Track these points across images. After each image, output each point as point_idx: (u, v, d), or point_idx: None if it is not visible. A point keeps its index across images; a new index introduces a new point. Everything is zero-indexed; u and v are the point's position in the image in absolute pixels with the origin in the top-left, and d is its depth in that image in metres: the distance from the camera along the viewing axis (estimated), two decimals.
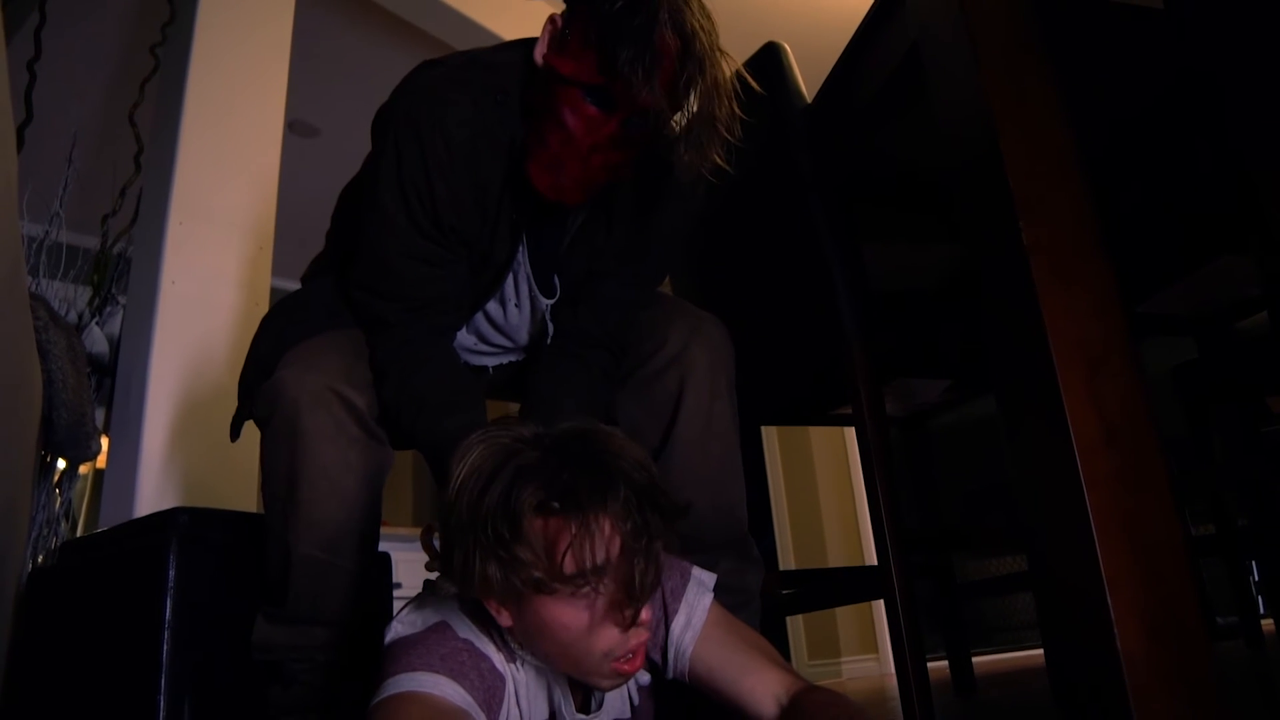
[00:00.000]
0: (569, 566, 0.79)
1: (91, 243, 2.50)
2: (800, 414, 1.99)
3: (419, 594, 0.96)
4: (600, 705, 0.95)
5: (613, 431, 0.86)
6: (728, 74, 1.05)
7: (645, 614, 0.83)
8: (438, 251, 1.14)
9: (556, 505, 0.79)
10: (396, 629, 0.90)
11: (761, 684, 0.94)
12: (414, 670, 0.84)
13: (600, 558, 0.79)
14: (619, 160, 1.08)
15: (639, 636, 0.85)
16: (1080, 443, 0.83)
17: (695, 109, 1.04)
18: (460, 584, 0.84)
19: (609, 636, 0.82)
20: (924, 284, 1.63)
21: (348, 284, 1.21)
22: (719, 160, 1.06)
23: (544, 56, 1.08)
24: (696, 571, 1.01)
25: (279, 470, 1.12)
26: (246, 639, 1.20)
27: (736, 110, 1.06)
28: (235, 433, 1.30)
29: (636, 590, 0.80)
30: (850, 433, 4.11)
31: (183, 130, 2.36)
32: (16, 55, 2.42)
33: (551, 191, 1.08)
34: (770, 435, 4.63)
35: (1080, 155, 0.94)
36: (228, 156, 2.43)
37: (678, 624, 0.97)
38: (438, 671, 0.83)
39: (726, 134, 1.05)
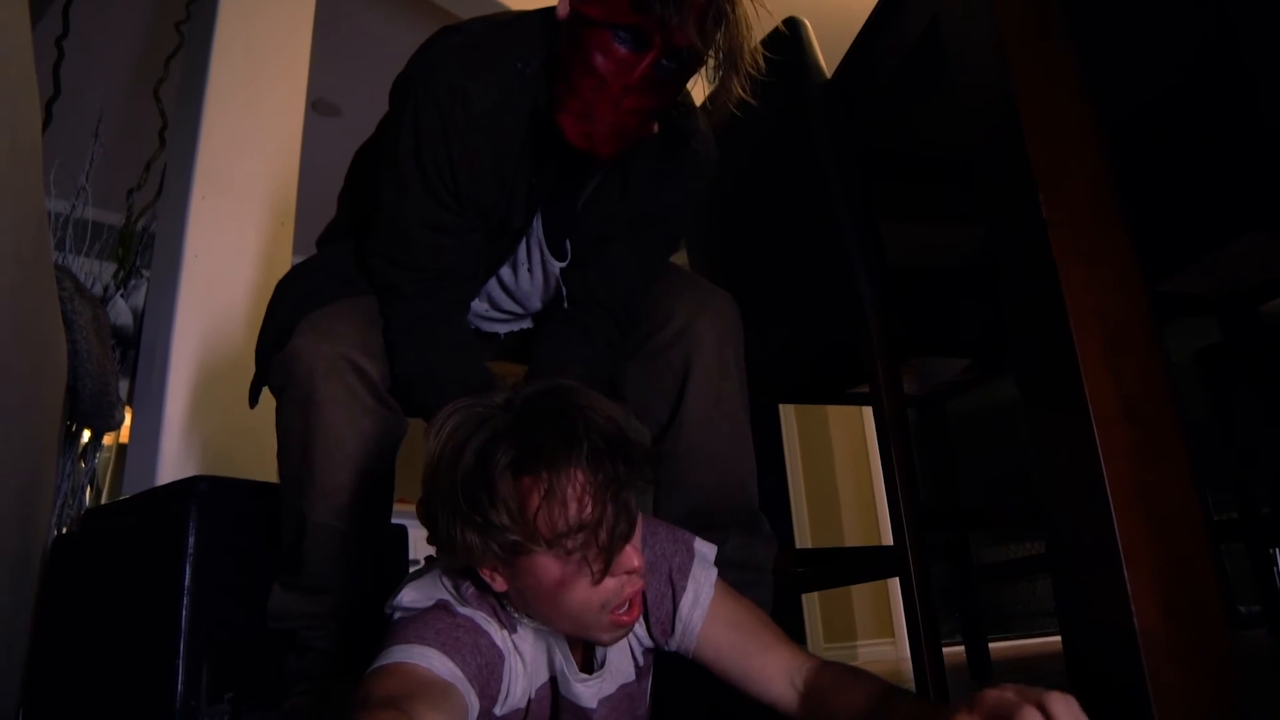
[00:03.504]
0: (543, 525, 0.79)
1: (116, 218, 2.53)
2: (818, 393, 1.98)
3: (419, 569, 0.96)
4: (603, 664, 0.95)
5: (580, 386, 0.86)
6: (751, 9, 1.05)
7: (636, 560, 0.83)
8: (454, 220, 1.14)
9: (526, 464, 0.79)
10: (398, 606, 0.90)
11: (772, 661, 0.94)
12: (408, 643, 0.84)
13: (574, 513, 0.78)
14: (650, 105, 1.06)
15: (634, 584, 0.85)
16: (1098, 417, 0.82)
17: (723, 44, 1.03)
18: (447, 553, 0.85)
19: (602, 588, 0.82)
20: (943, 261, 1.62)
21: (363, 251, 1.21)
22: (743, 93, 1.06)
23: (570, 5, 1.06)
24: (698, 544, 1.00)
25: (293, 438, 1.13)
26: (265, 606, 1.22)
27: (759, 46, 1.07)
28: (254, 399, 1.31)
29: (612, 539, 0.80)
30: (868, 412, 4.09)
31: (206, 106, 2.38)
32: (45, 31, 2.45)
33: (583, 140, 1.06)
34: (788, 414, 4.62)
35: (1101, 130, 0.93)
36: (250, 132, 2.45)
37: (686, 601, 0.96)
38: (430, 644, 0.83)
39: (751, 68, 1.05)
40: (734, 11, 1.02)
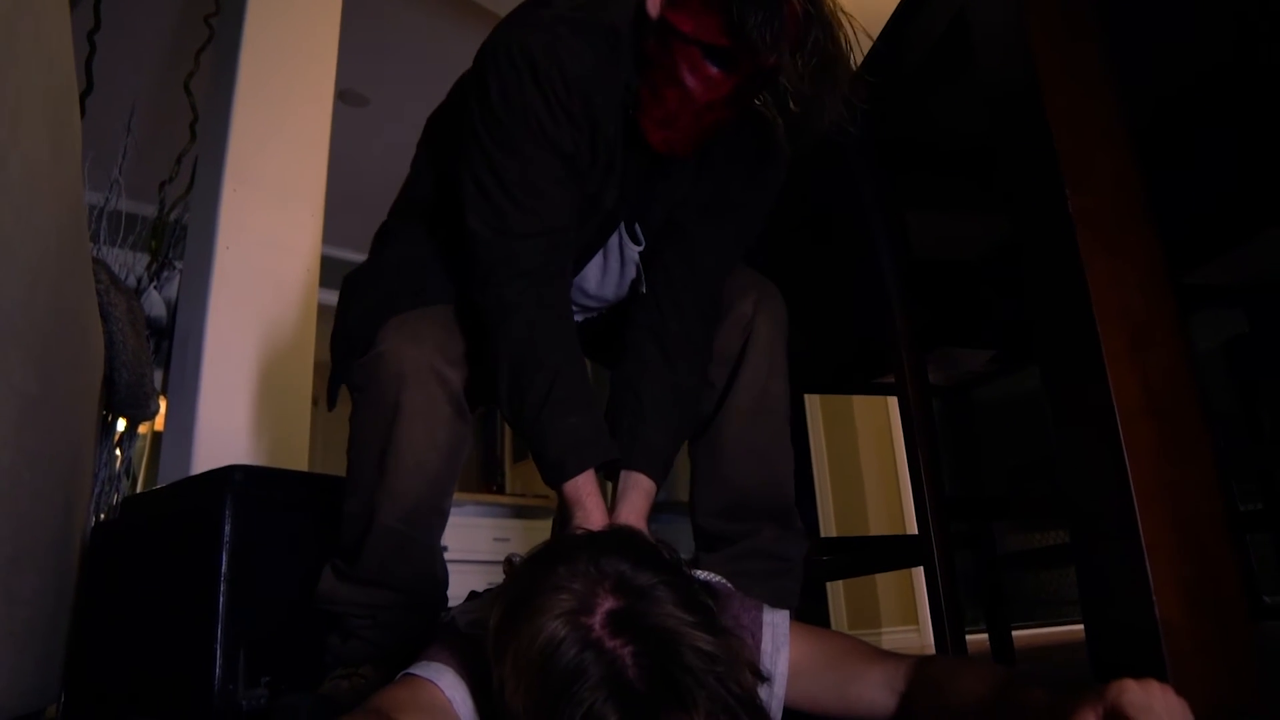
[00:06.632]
0: None
1: (149, 210, 2.57)
2: (843, 383, 1.99)
3: (493, 587, 0.92)
4: None
5: (702, 635, 0.71)
6: (850, 35, 1.03)
7: None
8: (563, 173, 1.11)
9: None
10: (459, 620, 0.88)
11: (867, 682, 0.89)
12: (444, 663, 0.82)
13: None
14: (732, 115, 1.07)
15: None
16: (1123, 412, 0.83)
17: (818, 69, 1.01)
18: (496, 707, 0.74)
19: None
20: (969, 253, 1.62)
21: (466, 226, 1.13)
22: (842, 117, 1.04)
23: (660, 8, 1.05)
24: (767, 615, 0.94)
25: (370, 440, 1.13)
26: (302, 593, 1.24)
27: (856, 70, 1.05)
28: (332, 401, 1.27)
29: None
30: (893, 402, 4.08)
31: (236, 99, 2.40)
32: (77, 26, 2.47)
33: (663, 145, 1.08)
34: (813, 403, 4.61)
35: (1128, 121, 0.93)
36: (280, 124, 2.47)
37: (761, 695, 0.89)
38: (461, 675, 0.82)
39: (848, 93, 1.03)
40: (830, 41, 1.00)
